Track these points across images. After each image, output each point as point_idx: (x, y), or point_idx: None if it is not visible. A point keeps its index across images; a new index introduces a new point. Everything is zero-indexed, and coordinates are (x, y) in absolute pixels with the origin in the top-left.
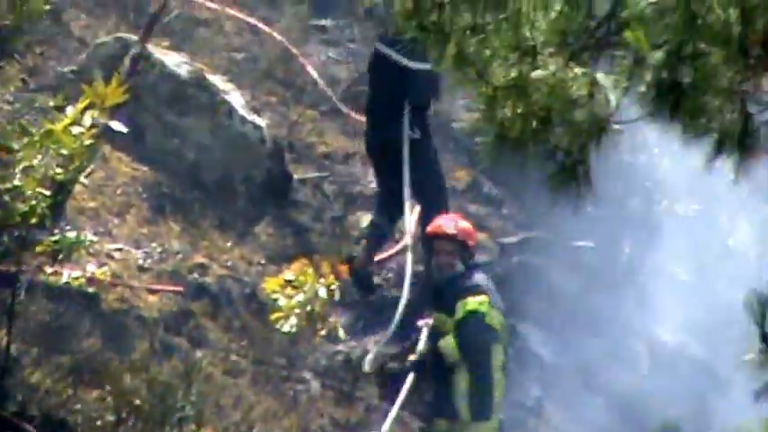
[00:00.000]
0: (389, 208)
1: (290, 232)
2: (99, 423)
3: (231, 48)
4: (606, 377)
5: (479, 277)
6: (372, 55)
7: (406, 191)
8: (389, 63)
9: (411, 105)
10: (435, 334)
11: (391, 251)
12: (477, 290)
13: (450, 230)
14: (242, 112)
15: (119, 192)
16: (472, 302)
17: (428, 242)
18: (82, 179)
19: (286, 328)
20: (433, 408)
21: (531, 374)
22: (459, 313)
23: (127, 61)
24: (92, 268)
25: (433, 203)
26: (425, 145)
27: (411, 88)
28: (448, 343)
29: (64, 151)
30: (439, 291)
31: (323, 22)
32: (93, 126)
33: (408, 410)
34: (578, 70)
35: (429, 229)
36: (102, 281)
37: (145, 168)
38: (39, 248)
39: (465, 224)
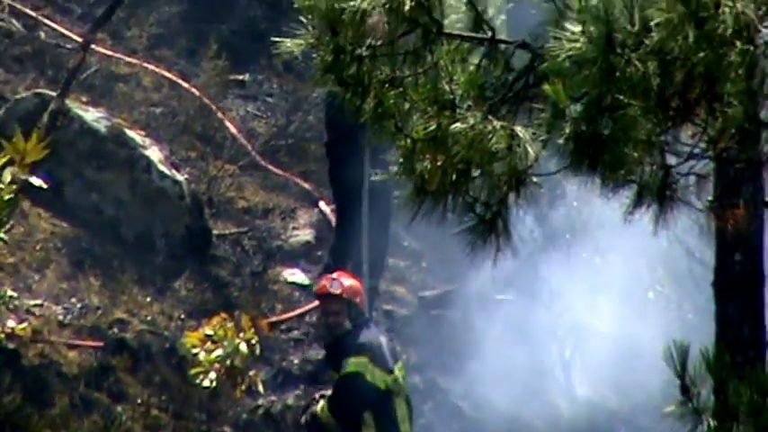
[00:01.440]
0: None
1: (209, 287)
2: None
3: (150, 102)
4: (526, 430)
5: (368, 334)
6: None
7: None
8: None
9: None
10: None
11: (307, 307)
12: (360, 349)
13: (335, 290)
14: (161, 167)
15: (38, 247)
16: (351, 363)
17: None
18: (1, 235)
19: (206, 383)
20: None
21: (451, 427)
22: (337, 375)
23: (46, 117)
24: (11, 324)
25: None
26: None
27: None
28: (321, 407)
29: None
30: (329, 350)
31: (241, 77)
32: (12, 182)
33: None
34: (497, 123)
35: (315, 288)
36: (23, 336)
37: (64, 224)
38: None
39: (350, 281)
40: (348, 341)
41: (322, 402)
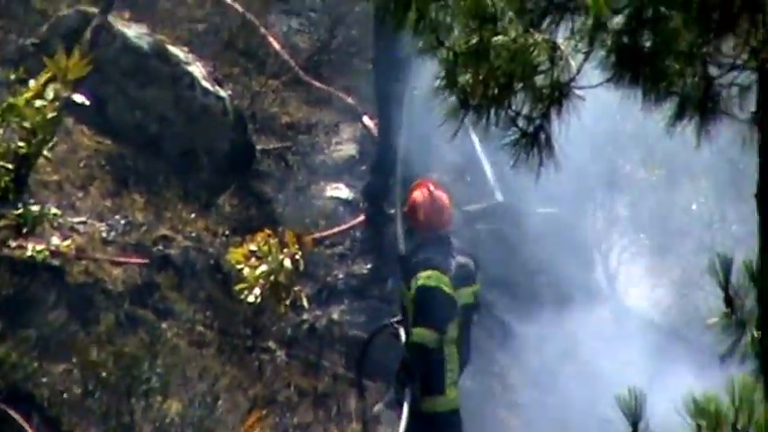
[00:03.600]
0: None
1: (253, 203)
2: (65, 396)
3: (193, 19)
4: (572, 344)
5: (433, 249)
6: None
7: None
8: None
9: None
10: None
11: (351, 223)
12: (427, 263)
13: (404, 207)
14: (204, 83)
15: (82, 164)
16: (423, 276)
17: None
18: (45, 152)
19: (251, 299)
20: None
21: (496, 342)
22: (412, 289)
23: (88, 34)
24: (56, 241)
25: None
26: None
27: None
28: (415, 332)
29: (26, 124)
30: (403, 262)
31: None
32: (55, 99)
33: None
34: (539, 36)
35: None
36: (67, 254)
37: (108, 141)
38: (2, 222)
39: (419, 195)
40: (415, 256)
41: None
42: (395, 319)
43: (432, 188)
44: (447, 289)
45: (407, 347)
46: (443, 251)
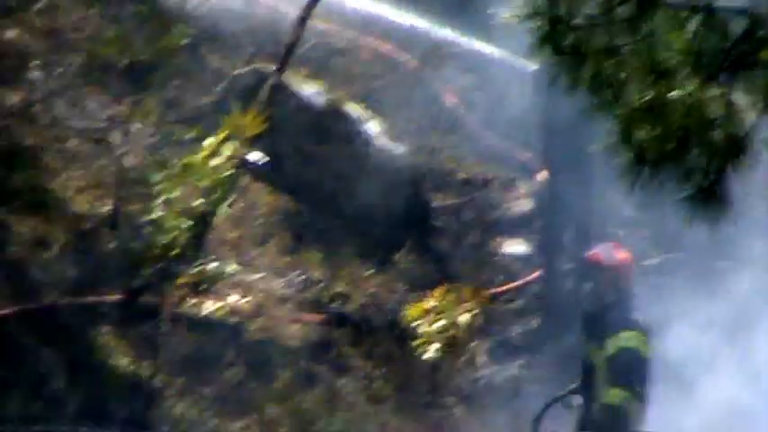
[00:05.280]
0: None
1: (430, 259)
2: None
3: (368, 76)
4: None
5: (626, 308)
6: None
7: None
8: None
9: None
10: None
11: (527, 278)
12: (627, 323)
13: (607, 261)
14: (379, 140)
15: (259, 222)
16: (625, 337)
17: (585, 269)
18: (222, 210)
19: (428, 355)
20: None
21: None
22: (611, 349)
23: (264, 92)
24: (234, 298)
25: None
26: None
27: None
28: (613, 393)
29: (204, 183)
30: (591, 321)
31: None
32: (231, 157)
33: None
34: (715, 90)
35: (587, 256)
36: (245, 311)
37: (284, 198)
38: (181, 280)
39: (623, 254)
40: (617, 314)
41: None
42: (571, 388)
43: (620, 247)
44: (647, 350)
45: (602, 409)
46: (632, 309)
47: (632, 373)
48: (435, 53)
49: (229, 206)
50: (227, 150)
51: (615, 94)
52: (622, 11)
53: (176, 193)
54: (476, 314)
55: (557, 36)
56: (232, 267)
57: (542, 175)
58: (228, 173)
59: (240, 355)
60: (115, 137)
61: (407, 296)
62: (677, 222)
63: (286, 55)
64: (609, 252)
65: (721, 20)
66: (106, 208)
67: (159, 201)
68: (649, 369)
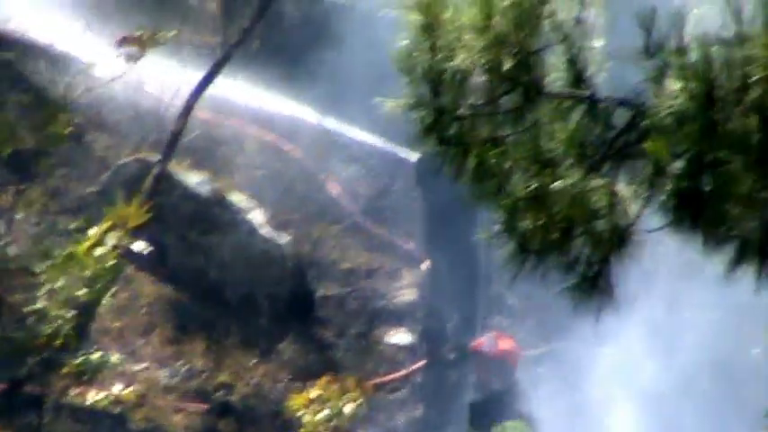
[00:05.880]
0: None
1: (314, 349)
2: None
3: (252, 166)
4: None
5: (517, 400)
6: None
7: None
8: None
9: None
10: None
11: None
12: (514, 414)
13: (490, 349)
14: (264, 229)
15: (143, 311)
16: (509, 427)
17: (469, 358)
18: (105, 300)
19: None
20: None
21: None
22: None
23: (148, 181)
24: (118, 388)
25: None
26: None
27: None
28: None
29: (86, 273)
30: (477, 410)
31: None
32: (115, 247)
33: None
34: (598, 181)
35: (471, 345)
36: (129, 401)
37: (168, 288)
38: (64, 370)
39: (508, 344)
40: (501, 404)
41: None
42: None
43: (504, 336)
44: None
45: None
46: (518, 398)
47: None
48: (319, 143)
49: (113, 296)
50: (111, 240)
51: (499, 184)
52: (506, 101)
53: (60, 283)
54: (360, 404)
55: (441, 126)
56: (116, 357)
57: (426, 265)
58: (112, 262)
59: None
60: None
61: (291, 386)
62: (562, 312)
63: (170, 144)
64: (493, 341)
65: (604, 110)
66: None
67: (43, 290)
68: None
